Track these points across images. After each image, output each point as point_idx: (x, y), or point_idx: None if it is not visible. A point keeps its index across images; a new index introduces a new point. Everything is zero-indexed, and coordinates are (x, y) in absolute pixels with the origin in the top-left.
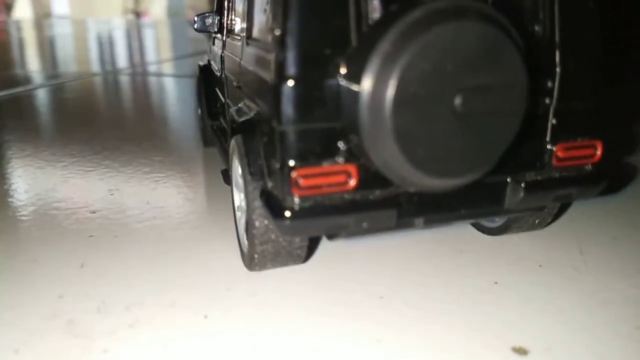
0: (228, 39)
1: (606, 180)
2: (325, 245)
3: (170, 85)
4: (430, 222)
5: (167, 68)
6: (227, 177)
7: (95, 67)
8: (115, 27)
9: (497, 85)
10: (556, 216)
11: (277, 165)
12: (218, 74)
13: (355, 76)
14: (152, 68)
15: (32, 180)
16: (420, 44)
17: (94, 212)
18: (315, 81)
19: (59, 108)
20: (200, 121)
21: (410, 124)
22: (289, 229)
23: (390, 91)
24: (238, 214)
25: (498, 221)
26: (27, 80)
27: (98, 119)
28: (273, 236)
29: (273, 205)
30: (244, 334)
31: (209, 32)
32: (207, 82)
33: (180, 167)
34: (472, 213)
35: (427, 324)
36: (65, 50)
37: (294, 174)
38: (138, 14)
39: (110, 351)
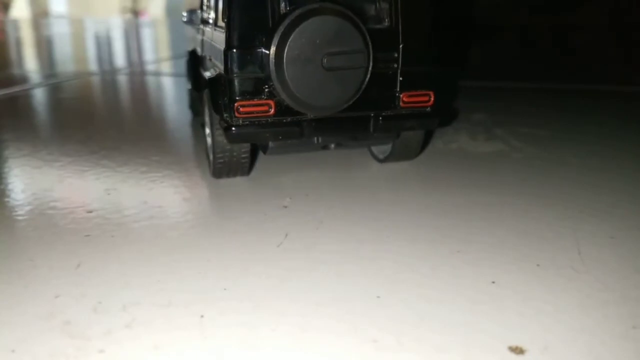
0: (206, 28)
1: (438, 117)
2: (323, 245)
3: (168, 84)
4: (325, 141)
5: (166, 67)
6: (204, 126)
7: (93, 66)
8: (113, 26)
9: (347, 52)
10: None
11: (227, 101)
12: (200, 54)
13: (268, 46)
14: (150, 67)
15: (28, 180)
16: (301, 28)
17: (91, 212)
18: (249, 49)
19: (56, 107)
20: (189, 95)
21: (298, 73)
22: (233, 137)
23: (285, 54)
24: (208, 140)
25: (385, 152)
26: (24, 79)
27: (95, 118)
28: (227, 147)
29: (225, 125)
30: (241, 334)
31: (194, 24)
32: (193, 62)
33: (178, 167)
34: (351, 136)
35: (423, 323)
36: (63, 49)
37: (236, 105)
38: (136, 13)
39: (107, 351)
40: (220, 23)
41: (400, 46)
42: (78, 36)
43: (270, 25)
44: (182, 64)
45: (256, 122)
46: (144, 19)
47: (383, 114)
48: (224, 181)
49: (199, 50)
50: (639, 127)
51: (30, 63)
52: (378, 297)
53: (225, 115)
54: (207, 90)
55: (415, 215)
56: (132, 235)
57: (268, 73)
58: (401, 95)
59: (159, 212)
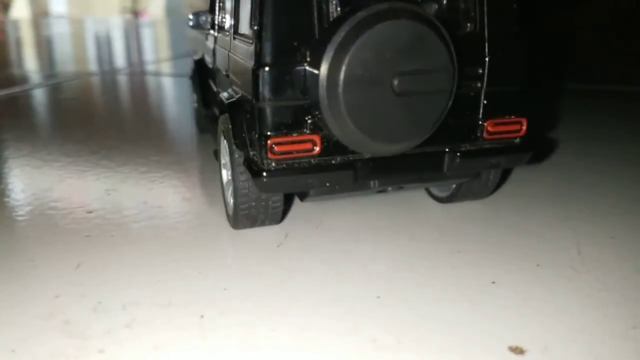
0: (219, 35)
1: (531, 151)
2: (323, 245)
3: (168, 84)
4: (383, 184)
5: (166, 67)
6: (217, 155)
7: (93, 66)
8: (113, 26)
9: (427, 70)
10: (551, 215)
11: (256, 135)
12: (210, 66)
13: (316, 62)
14: (150, 67)
15: (28, 180)
16: (365, 38)
17: (91, 212)
18: (288, 67)
19: (56, 108)
20: (195, 110)
21: (359, 100)
22: (265, 186)
23: (342, 74)
24: (224, 175)
25: (446, 190)
26: (24, 79)
27: (95, 118)
28: (254, 195)
29: (253, 167)
30: (240, 334)
31: (203, 29)
32: (201, 74)
33: (178, 167)
34: (417, 177)
35: (423, 323)
36: (63, 49)
37: (269, 142)
38: (136, 13)
39: (107, 351)
40: (245, 31)
41: (487, 59)
42: (78, 36)
43: (318, 34)
44: (181, 64)
45: (296, 165)
46: (144, 19)
47: (461, 148)
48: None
49: (208, 60)
50: (638, 127)
51: (30, 63)
52: (378, 297)
53: (252, 153)
54: (225, 117)
55: (414, 214)
56: (132, 235)
57: (315, 99)
58: (485, 124)
59: (158, 212)
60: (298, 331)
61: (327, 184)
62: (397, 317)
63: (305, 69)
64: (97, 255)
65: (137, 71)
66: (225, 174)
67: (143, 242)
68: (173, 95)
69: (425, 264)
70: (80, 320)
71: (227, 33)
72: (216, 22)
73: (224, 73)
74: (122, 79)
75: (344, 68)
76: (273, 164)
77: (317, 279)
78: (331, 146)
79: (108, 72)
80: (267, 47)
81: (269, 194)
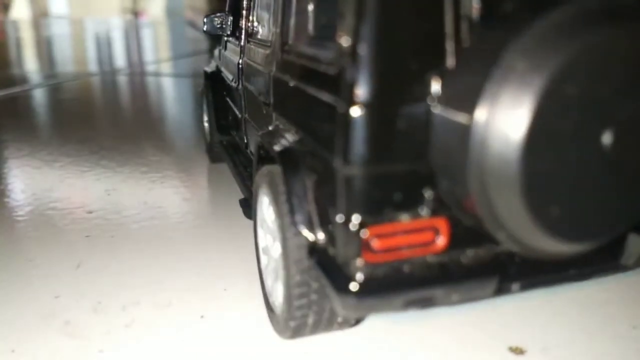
0: (249, 45)
1: None
2: None
3: (168, 85)
4: (529, 287)
5: (165, 68)
6: (247, 207)
7: (93, 67)
8: (114, 27)
9: None
10: None
11: (340, 219)
12: (233, 84)
13: (459, 101)
14: (150, 68)
15: (29, 180)
16: (570, 57)
17: (91, 212)
18: (398, 107)
19: (56, 108)
20: (206, 135)
21: (544, 171)
22: (355, 307)
23: (524, 124)
24: (264, 260)
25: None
26: (24, 80)
27: (95, 119)
28: (316, 297)
29: (332, 272)
30: (240, 335)
31: (220, 34)
32: (215, 91)
33: (178, 167)
34: (581, 273)
35: (423, 323)
36: (63, 50)
37: (364, 234)
38: (136, 14)
39: (106, 351)
40: (308, 43)
41: None
42: (78, 37)
43: (453, 50)
44: (180, 64)
45: (406, 269)
46: (144, 20)
47: None
48: (224, 182)
49: (229, 76)
50: None
51: (31, 64)
52: None
53: (329, 247)
54: (275, 172)
55: None
56: (132, 235)
57: (444, 161)
58: None
59: (158, 213)
60: None
61: (455, 298)
62: (397, 316)
63: (429, 111)
64: (97, 255)
65: (137, 71)
66: (264, 242)
67: (143, 242)
68: (173, 95)
69: None
70: (80, 320)
71: (266, 43)
72: (244, 27)
73: (263, 101)
74: (122, 80)
75: (528, 115)
76: (370, 270)
77: None
78: (462, 234)
79: (108, 73)
80: (367, 73)
81: (358, 315)
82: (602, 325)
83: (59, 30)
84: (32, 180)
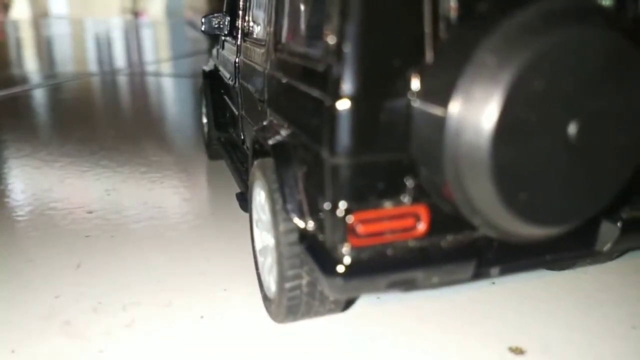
0: (245, 44)
1: None
2: None
3: (168, 85)
4: (507, 271)
5: (165, 68)
6: (243, 201)
7: (93, 67)
8: (113, 27)
9: (625, 110)
10: None
11: (328, 207)
12: (230, 82)
13: (435, 96)
14: (150, 68)
15: (29, 180)
16: (535, 54)
17: (91, 213)
18: (381, 101)
19: (56, 108)
20: (204, 132)
21: (513, 159)
22: (341, 288)
23: (494, 116)
24: (259, 242)
25: None
26: (24, 80)
27: (95, 119)
28: (305, 282)
29: (320, 256)
30: (240, 335)
31: (218, 34)
32: (214, 90)
33: (178, 167)
34: (557, 258)
35: (423, 323)
36: (63, 50)
37: (350, 219)
38: (136, 14)
39: (106, 351)
40: (298, 41)
41: None
42: (78, 37)
43: (431, 48)
44: (180, 64)
45: (388, 254)
46: (144, 20)
47: (624, 215)
48: (224, 182)
49: (226, 74)
50: None
51: (31, 64)
52: (378, 297)
53: (318, 233)
54: (264, 163)
55: None
56: (132, 235)
57: (423, 151)
58: None
59: (158, 213)
60: (295, 331)
61: (435, 280)
62: (397, 316)
63: (409, 104)
64: (97, 255)
65: (136, 71)
66: (259, 236)
67: (143, 242)
68: (173, 95)
69: None
70: (80, 320)
71: (261, 42)
72: (240, 27)
73: (258, 98)
74: (122, 80)
75: (498, 107)
76: (355, 253)
77: None
78: (442, 221)
79: (108, 73)
80: (351, 69)
81: (346, 296)
82: (602, 326)
83: (59, 31)
84: (32, 180)
